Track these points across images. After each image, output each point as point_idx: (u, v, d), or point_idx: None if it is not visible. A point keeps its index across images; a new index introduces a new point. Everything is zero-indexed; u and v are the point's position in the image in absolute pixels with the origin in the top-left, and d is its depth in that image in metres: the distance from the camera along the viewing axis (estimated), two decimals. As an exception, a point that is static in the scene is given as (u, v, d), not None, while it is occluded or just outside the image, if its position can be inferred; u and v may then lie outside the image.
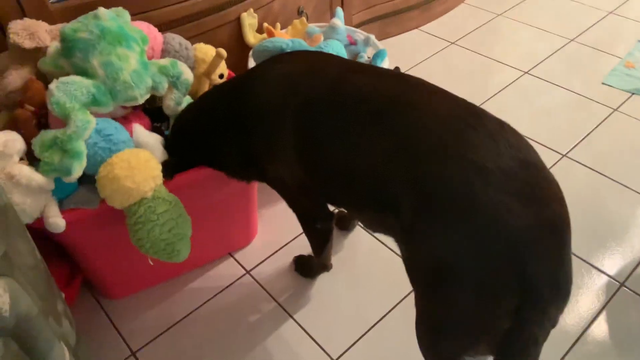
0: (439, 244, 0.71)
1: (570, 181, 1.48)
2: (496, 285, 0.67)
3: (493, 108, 1.81)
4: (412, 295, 1.21)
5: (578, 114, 1.73)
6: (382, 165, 0.78)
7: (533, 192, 0.69)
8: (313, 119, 0.86)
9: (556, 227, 0.69)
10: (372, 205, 0.83)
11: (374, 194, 0.81)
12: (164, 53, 1.19)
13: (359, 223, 1.39)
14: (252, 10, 1.48)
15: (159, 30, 1.23)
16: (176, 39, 1.21)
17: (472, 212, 0.68)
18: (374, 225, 0.91)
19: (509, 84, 1.86)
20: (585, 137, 1.63)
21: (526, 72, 1.91)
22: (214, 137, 1.03)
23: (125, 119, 1.06)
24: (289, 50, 1.21)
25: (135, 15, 1.21)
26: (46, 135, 0.89)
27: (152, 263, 1.01)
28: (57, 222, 0.92)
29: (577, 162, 1.55)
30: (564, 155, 1.57)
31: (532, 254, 0.66)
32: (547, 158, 1.56)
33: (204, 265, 1.32)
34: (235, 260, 1.33)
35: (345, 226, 1.37)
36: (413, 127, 0.76)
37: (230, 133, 1.00)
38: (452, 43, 2.08)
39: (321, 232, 1.15)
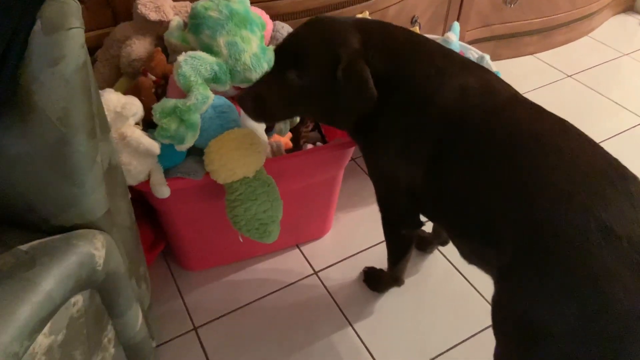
0: (537, 302, 0.65)
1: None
2: None
3: None
4: (481, 335, 1.16)
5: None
6: (504, 200, 0.73)
7: None
8: (463, 136, 0.82)
9: None
10: (478, 236, 0.79)
11: (484, 226, 0.77)
12: (272, 40, 1.22)
13: (438, 248, 1.34)
14: (367, 12, 1.46)
15: (275, 20, 1.26)
16: (285, 28, 1.24)
17: (583, 279, 0.61)
18: (472, 256, 0.87)
19: (625, 130, 1.70)
20: None
21: (647, 120, 1.75)
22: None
23: (233, 99, 1.09)
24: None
25: (255, 3, 1.24)
26: (167, 102, 0.94)
27: (242, 240, 1.04)
28: (162, 189, 0.96)
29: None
30: (677, 219, 1.42)
31: (637, 347, 0.59)
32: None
33: (274, 256, 1.32)
34: (305, 258, 1.32)
35: (424, 248, 1.32)
36: (547, 170, 0.71)
37: (394, 102, 0.88)
38: (569, 76, 1.94)
39: (404, 239, 1.11)
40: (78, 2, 0.69)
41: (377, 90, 0.87)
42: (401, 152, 0.91)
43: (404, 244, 1.12)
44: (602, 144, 1.62)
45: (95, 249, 0.72)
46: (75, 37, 0.66)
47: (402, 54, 0.89)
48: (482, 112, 0.81)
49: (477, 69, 0.90)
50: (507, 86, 0.89)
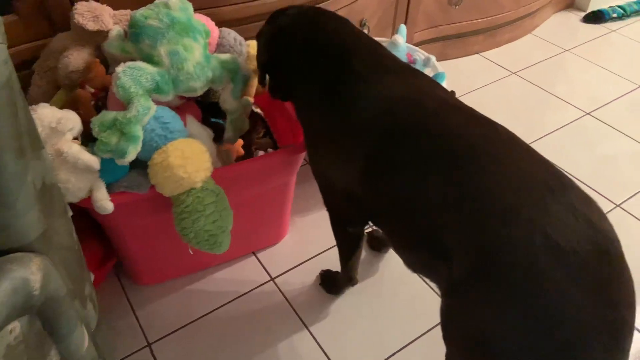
0: (488, 318, 0.65)
1: (621, 233, 1.38)
2: None
3: (549, 146, 1.77)
4: (437, 329, 1.18)
5: (638, 164, 1.63)
6: (447, 213, 0.72)
7: (604, 289, 0.62)
8: (395, 144, 0.81)
9: (619, 335, 0.62)
10: (423, 247, 0.78)
11: (428, 237, 0.76)
12: (219, 47, 1.20)
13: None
14: (314, 16, 1.47)
15: (222, 27, 1.24)
16: (231, 34, 1.22)
17: (532, 296, 0.62)
18: (417, 266, 0.86)
19: (568, 123, 1.78)
20: (644, 190, 1.54)
21: (588, 114, 1.83)
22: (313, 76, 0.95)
23: (179, 109, 1.07)
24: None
25: (200, 10, 1.22)
26: (107, 115, 0.91)
27: (192, 252, 1.03)
28: (105, 205, 0.93)
29: (630, 214, 1.46)
30: (617, 206, 1.49)
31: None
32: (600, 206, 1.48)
33: (230, 265, 1.31)
34: (261, 264, 1.32)
35: (378, 248, 1.33)
36: (489, 181, 0.70)
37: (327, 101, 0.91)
38: (513, 73, 2.01)
39: (351, 237, 1.11)
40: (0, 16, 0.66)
41: (308, 84, 0.95)
42: (331, 159, 0.92)
43: (351, 241, 1.12)
44: (546, 137, 1.71)
45: (30, 273, 0.69)
46: (-3, 54, 0.63)
47: (332, 55, 0.92)
48: (411, 123, 0.81)
49: (408, 73, 0.90)
50: (439, 90, 0.88)
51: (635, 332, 1.14)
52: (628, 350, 0.64)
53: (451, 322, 0.74)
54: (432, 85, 0.89)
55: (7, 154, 0.65)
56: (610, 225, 0.69)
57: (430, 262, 0.79)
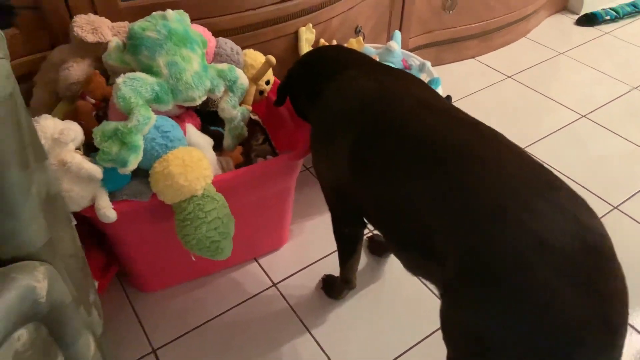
0: (482, 317, 0.66)
1: (619, 235, 1.38)
2: None
3: (545, 149, 1.79)
4: (439, 333, 1.19)
5: (634, 165, 1.65)
6: (434, 215, 0.73)
7: (594, 284, 0.62)
8: (374, 144, 0.83)
9: (611, 328, 0.63)
10: (416, 248, 0.79)
11: (419, 239, 0.77)
12: (216, 57, 1.22)
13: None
14: (310, 25, 1.49)
15: (218, 36, 1.26)
16: (228, 44, 1.25)
17: (523, 294, 0.62)
18: (415, 268, 0.87)
19: (564, 126, 1.80)
20: (640, 190, 1.56)
21: (583, 116, 1.84)
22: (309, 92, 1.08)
23: (178, 118, 1.09)
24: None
25: (197, 20, 1.24)
26: (108, 125, 0.93)
27: (194, 259, 1.04)
28: (107, 213, 0.95)
29: (628, 215, 1.47)
30: (615, 207, 1.50)
31: (579, 355, 0.61)
32: (597, 208, 1.48)
33: (232, 271, 1.32)
34: (263, 270, 1.33)
35: (379, 253, 1.35)
36: (475, 183, 0.70)
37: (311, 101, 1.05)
38: (509, 77, 2.03)
39: (348, 238, 1.12)
40: (1, 32, 0.68)
41: (309, 99, 1.07)
42: (321, 158, 0.98)
43: (348, 242, 1.13)
44: (542, 141, 1.72)
45: (36, 281, 0.70)
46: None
47: (322, 73, 1.03)
48: (390, 122, 0.82)
49: (391, 74, 0.93)
50: (424, 91, 0.88)
51: (635, 333, 1.17)
52: (622, 345, 0.64)
53: (448, 323, 0.75)
54: (415, 86, 0.90)
55: (12, 167, 0.67)
56: (599, 222, 0.69)
57: (424, 263, 0.80)
